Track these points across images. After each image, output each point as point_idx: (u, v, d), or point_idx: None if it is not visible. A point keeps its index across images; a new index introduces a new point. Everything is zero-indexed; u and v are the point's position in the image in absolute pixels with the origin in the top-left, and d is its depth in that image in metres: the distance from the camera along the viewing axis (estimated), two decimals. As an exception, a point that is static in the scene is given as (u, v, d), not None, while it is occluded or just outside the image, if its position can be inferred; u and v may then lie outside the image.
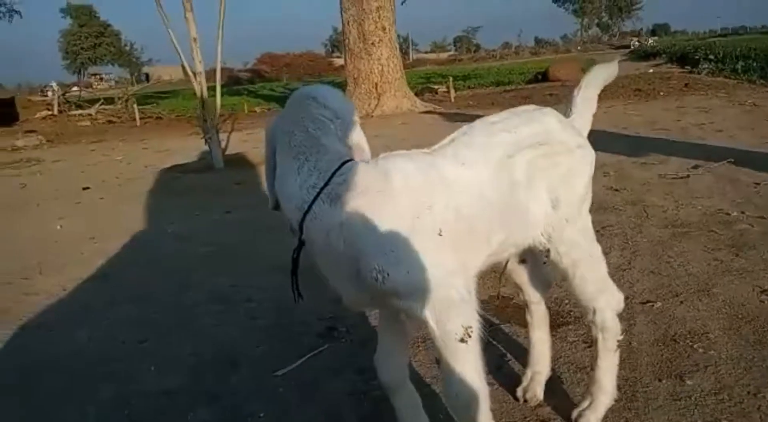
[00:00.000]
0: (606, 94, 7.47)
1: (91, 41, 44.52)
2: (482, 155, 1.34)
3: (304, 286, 2.98)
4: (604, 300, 1.53)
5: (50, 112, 15.45)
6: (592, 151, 1.51)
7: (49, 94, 20.20)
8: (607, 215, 3.53)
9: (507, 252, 1.47)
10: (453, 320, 1.22)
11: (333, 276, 1.32)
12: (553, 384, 1.79)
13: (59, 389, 2.10)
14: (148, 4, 5.60)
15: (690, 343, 1.97)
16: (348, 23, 11.78)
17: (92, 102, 16.31)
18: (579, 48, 46.81)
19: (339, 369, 2.08)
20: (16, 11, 23.55)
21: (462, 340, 1.21)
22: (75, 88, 29.81)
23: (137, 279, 3.19)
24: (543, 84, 16.05)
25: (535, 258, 1.64)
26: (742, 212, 3.29)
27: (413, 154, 1.36)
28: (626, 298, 2.34)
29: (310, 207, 1.24)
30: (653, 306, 2.28)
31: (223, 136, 6.60)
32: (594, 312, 1.53)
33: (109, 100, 16.14)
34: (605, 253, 2.84)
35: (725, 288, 2.37)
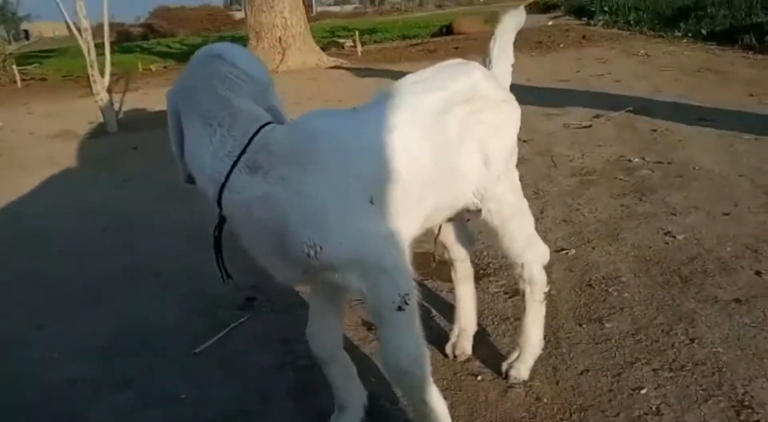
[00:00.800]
0: None
1: (-47, -6, 39.61)
2: (412, 116, 1.26)
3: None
4: (532, 254, 1.53)
5: None
6: (517, 104, 1.48)
7: None
8: (517, 166, 3.58)
9: (442, 215, 1.42)
10: (389, 289, 1.16)
11: (259, 253, 1.21)
12: (479, 338, 1.80)
13: None
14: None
15: (605, 288, 2.05)
16: (247, -27, 11.18)
17: (-39, 62, 14.61)
18: (482, 1, 47.29)
19: (262, 341, 1.99)
20: None
21: (399, 308, 1.16)
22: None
23: (30, 258, 2.91)
24: (448, 37, 16.07)
25: (460, 216, 1.61)
26: (643, 158, 3.45)
27: (338, 114, 1.26)
28: (543, 248, 2.44)
29: (227, 178, 1.11)
30: (567, 253, 2.35)
31: (116, 97, 6.11)
32: (522, 266, 1.54)
33: (-18, 61, 14.53)
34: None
35: (632, 232, 2.48)
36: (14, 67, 12.85)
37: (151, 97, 8.46)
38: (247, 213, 1.13)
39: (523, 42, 11.13)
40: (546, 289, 1.59)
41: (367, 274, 1.15)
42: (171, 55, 19.37)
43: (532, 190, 3.14)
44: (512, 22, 1.56)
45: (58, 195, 3.96)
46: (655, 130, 4.00)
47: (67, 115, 7.39)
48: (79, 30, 5.19)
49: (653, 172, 3.20)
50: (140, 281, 2.57)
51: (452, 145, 1.31)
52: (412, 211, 1.28)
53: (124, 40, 30.55)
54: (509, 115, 1.45)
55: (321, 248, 1.11)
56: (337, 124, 1.22)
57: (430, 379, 1.24)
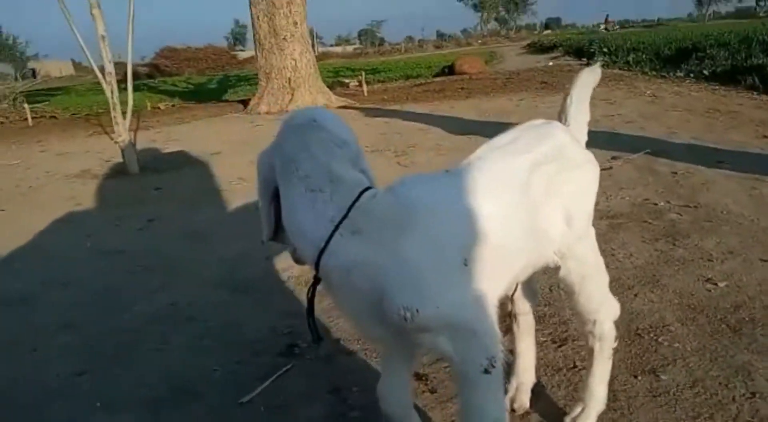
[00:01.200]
0: (516, 87, 7.84)
1: (-36, 34, 40.48)
2: (503, 180, 1.28)
3: (250, 300, 2.83)
4: (605, 311, 1.53)
5: None
6: (597, 165, 1.49)
7: None
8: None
9: (525, 275, 1.43)
10: (477, 352, 1.16)
11: (352, 313, 1.22)
12: (535, 389, 1.78)
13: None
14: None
15: (654, 337, 2.04)
16: (258, 18, 11.44)
17: (-28, 101, 14.79)
18: (479, 41, 48.36)
19: (310, 390, 1.97)
20: None
21: (486, 371, 1.16)
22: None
23: (62, 303, 2.89)
24: (451, 77, 16.36)
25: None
26: (668, 201, 3.48)
27: (433, 178, 1.28)
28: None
29: (327, 243, 1.13)
30: (610, 300, 2.34)
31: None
32: (594, 322, 1.53)
33: (-8, 99, 14.72)
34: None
35: (672, 278, 2.48)
36: (25, 105, 13.01)
37: (164, 135, 8.57)
38: (345, 277, 1.14)
39: (527, 82, 11.49)
40: (614, 345, 1.58)
41: (457, 337, 1.15)
42: (178, 93, 19.68)
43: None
44: (589, 78, 1.58)
45: (83, 236, 3.97)
46: (675, 173, 4.04)
47: (83, 154, 7.47)
48: (102, 73, 5.27)
49: (681, 215, 3.22)
50: (174, 327, 2.55)
51: (539, 206, 1.32)
52: (502, 273, 1.28)
53: (132, 79, 31.16)
54: (592, 175, 1.46)
55: (418, 311, 1.11)
56: (433, 189, 1.24)
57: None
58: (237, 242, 3.55)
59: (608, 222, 3.25)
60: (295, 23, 11.32)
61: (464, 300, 1.16)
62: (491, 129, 7.31)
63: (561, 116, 1.54)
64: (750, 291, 2.28)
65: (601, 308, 1.52)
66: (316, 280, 1.18)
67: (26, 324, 2.68)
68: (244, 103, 12.85)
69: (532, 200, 1.31)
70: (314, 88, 11.80)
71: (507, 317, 2.01)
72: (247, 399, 1.95)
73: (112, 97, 5.25)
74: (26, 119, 12.49)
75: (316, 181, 1.15)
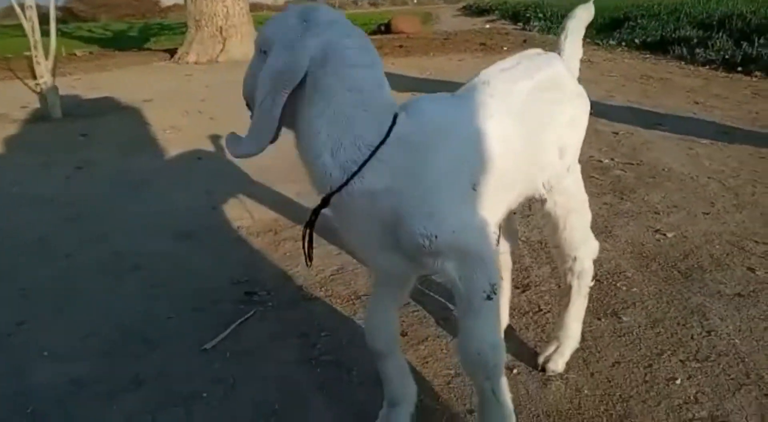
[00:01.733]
0: (455, 48, 7.83)
1: None
2: (507, 104, 1.24)
3: (200, 249, 2.71)
4: (585, 249, 1.55)
5: None
6: (588, 100, 1.49)
7: None
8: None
9: (516, 204, 1.41)
10: (483, 278, 1.14)
11: (363, 241, 1.16)
12: (505, 331, 1.80)
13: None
14: None
15: (613, 282, 2.11)
16: (188, -40, 10.78)
17: None
18: (415, 1, 47.92)
19: (277, 335, 1.91)
20: None
21: (488, 297, 1.15)
22: None
23: (-10, 251, 2.67)
24: (388, 35, 16.13)
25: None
26: (612, 159, 3.59)
27: (443, 100, 1.22)
28: (539, 243, 2.48)
29: (361, 167, 1.04)
30: (567, 249, 2.40)
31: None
32: (574, 259, 1.56)
33: None
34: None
35: (623, 229, 2.57)
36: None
37: (84, 83, 8.02)
38: (369, 203, 1.06)
39: (466, 43, 11.50)
40: (591, 284, 1.62)
41: (465, 262, 1.13)
42: (95, 40, 18.44)
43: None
44: (584, 16, 1.55)
45: (6, 183, 3.66)
46: (616, 133, 4.18)
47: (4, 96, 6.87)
48: (22, 8, 4.80)
49: (626, 172, 3.33)
50: (121, 275, 2.41)
51: (536, 133, 1.31)
52: (502, 199, 1.26)
53: (44, 22, 28.76)
54: (584, 108, 1.46)
55: (436, 237, 1.07)
56: (446, 112, 1.18)
57: (504, 371, 1.23)
58: (177, 192, 3.38)
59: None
60: (229, -32, 10.75)
61: (475, 225, 1.14)
62: (434, 86, 7.38)
63: (556, 51, 1.52)
64: (696, 241, 2.40)
65: (582, 245, 1.54)
66: (325, 202, 1.10)
67: (-49, 272, 2.46)
68: (171, 52, 12.18)
69: (530, 126, 1.29)
70: (247, 37, 11.30)
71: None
72: (211, 345, 1.88)
73: (33, 35, 4.80)
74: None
75: (367, 97, 1.05)
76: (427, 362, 1.71)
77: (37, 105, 5.61)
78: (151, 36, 19.00)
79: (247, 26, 11.41)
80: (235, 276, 2.33)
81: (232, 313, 2.06)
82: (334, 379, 1.67)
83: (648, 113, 4.75)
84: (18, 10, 4.84)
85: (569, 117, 1.40)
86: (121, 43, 17.09)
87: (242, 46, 11.19)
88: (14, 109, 5.96)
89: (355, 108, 1.04)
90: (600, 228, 2.58)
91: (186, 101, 6.01)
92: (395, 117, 1.09)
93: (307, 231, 1.16)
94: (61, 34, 19.72)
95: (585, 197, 1.53)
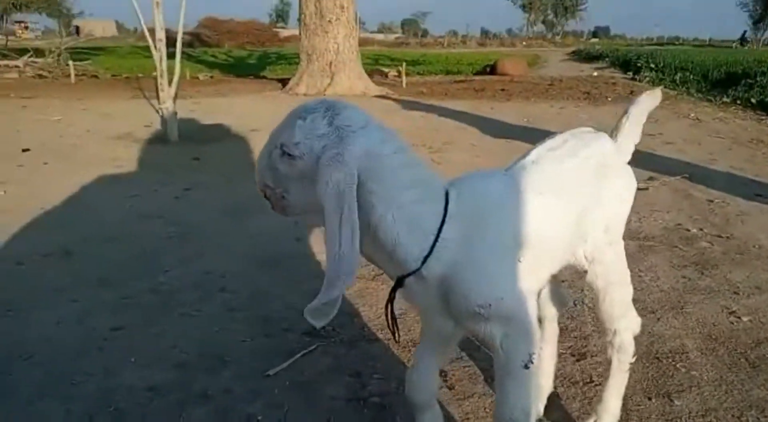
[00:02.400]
0: (558, 94, 7.78)
1: (16, -15, 41.38)
2: (553, 182, 1.35)
3: (280, 277, 2.91)
4: (626, 322, 1.59)
5: (-34, 61, 14.27)
6: (635, 180, 1.56)
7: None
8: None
9: (557, 271, 1.49)
10: (523, 346, 1.24)
11: (427, 309, 1.29)
12: (550, 398, 1.84)
13: (35, 382, 1.97)
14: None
15: (673, 362, 2.08)
16: (306, -2, 11.51)
17: (20, 52, 15.15)
18: (524, 43, 47.79)
19: (332, 371, 2.05)
20: None
21: (526, 366, 1.24)
22: (-2, 35, 27.70)
23: (102, 259, 3.02)
24: (492, 77, 16.26)
25: (555, 276, 1.67)
26: (701, 229, 3.48)
27: (498, 177, 1.34)
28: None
29: (431, 250, 1.16)
30: (632, 321, 2.38)
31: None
32: (614, 332, 1.59)
33: (39, 53, 15.06)
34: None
35: (696, 307, 2.50)
36: (70, 61, 13.27)
37: (203, 107, 8.71)
38: (435, 280, 1.19)
39: (570, 90, 11.39)
40: (632, 360, 1.63)
41: (510, 329, 1.23)
42: (217, 65, 19.92)
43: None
44: (648, 102, 1.62)
45: (123, 197, 4.10)
46: (711, 201, 4.03)
47: (124, 116, 7.65)
48: (153, 40, 5.40)
49: (713, 245, 3.22)
50: (208, 294, 2.65)
51: (583, 209, 1.40)
52: (545, 269, 1.37)
53: (172, 45, 31.45)
54: (630, 188, 1.53)
55: (490, 305, 1.19)
56: (498, 187, 1.30)
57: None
58: (270, 219, 3.64)
59: (639, 244, 3.27)
60: (342, 6, 11.37)
61: (521, 294, 1.23)
62: (530, 135, 7.32)
63: (613, 131, 1.59)
64: (773, 329, 2.30)
65: (622, 319, 1.58)
66: (400, 283, 1.22)
67: (68, 275, 2.81)
68: (283, 82, 12.96)
69: (576, 203, 1.38)
70: (354, 73, 11.86)
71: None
72: (274, 372, 2.04)
73: (161, 64, 5.37)
74: (69, 76, 12.77)
75: (419, 191, 1.17)
76: (468, 418, 1.78)
77: (159, 126, 6.22)
78: (268, 64, 20.25)
79: (354, 62, 11.96)
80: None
81: (298, 344, 2.23)
82: (378, 420, 1.77)
83: (750, 182, 4.53)
84: (150, 40, 5.44)
85: (615, 194, 1.47)
86: (240, 69, 18.37)
87: (348, 81, 11.75)
88: (139, 128, 6.63)
89: (413, 204, 1.16)
90: (672, 304, 2.53)
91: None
92: (446, 194, 1.21)
93: (389, 309, 1.28)
94: (187, 57, 21.46)
95: (626, 271, 1.57)
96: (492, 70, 18.15)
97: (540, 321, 1.76)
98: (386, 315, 1.30)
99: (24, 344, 2.20)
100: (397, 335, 1.30)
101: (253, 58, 23.81)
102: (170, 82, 5.58)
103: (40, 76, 13.41)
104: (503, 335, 1.24)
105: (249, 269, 2.95)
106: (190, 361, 2.12)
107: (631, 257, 3.00)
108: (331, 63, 11.72)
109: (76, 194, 4.11)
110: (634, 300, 2.53)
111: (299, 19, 12.28)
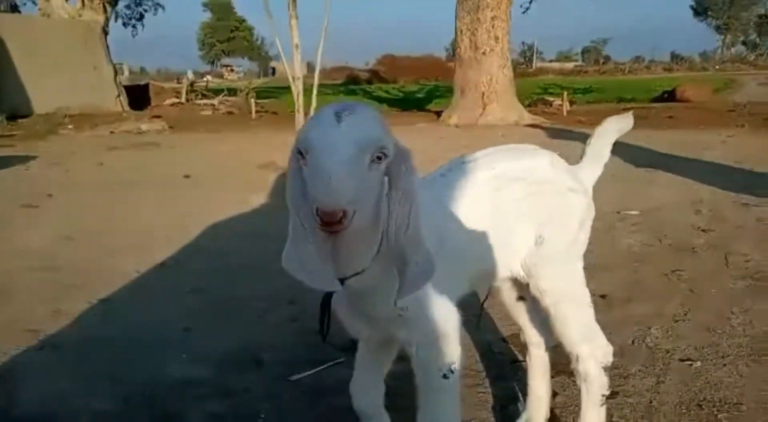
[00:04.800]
0: (733, 121, 7.05)
1: (226, 34, 48.09)
2: (472, 189, 1.36)
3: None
4: (588, 349, 1.48)
5: (178, 100, 16.76)
6: (587, 199, 1.49)
7: (184, 81, 22.05)
8: (682, 258, 3.30)
9: (487, 281, 1.49)
10: (440, 354, 1.23)
11: (354, 313, 1.33)
12: None
13: (103, 364, 2.32)
14: (280, 4, 5.97)
15: (715, 412, 1.82)
16: (461, 32, 11.80)
17: (217, 92, 17.46)
18: (717, 67, 43.37)
19: (346, 384, 2.12)
20: (160, 5, 26.26)
21: (445, 376, 1.23)
22: (207, 78, 32.13)
23: (204, 271, 3.42)
24: (667, 104, 15.08)
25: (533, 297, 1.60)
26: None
27: (425, 181, 1.38)
28: (666, 352, 2.23)
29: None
30: (692, 365, 2.12)
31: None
32: (577, 359, 1.49)
33: (233, 92, 17.22)
34: (666, 299, 2.69)
35: (777, 357, 2.15)
36: (252, 99, 14.96)
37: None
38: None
39: (750, 117, 10.15)
40: (605, 392, 1.50)
41: (427, 335, 1.23)
42: (386, 99, 21.00)
43: (687, 287, 2.87)
44: (616, 125, 1.56)
45: (241, 220, 4.58)
46: None
47: (280, 147, 8.45)
48: (293, 77, 5.99)
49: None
50: (276, 306, 2.87)
51: (505, 219, 1.38)
52: (463, 273, 1.36)
53: (351, 82, 33.91)
54: (572, 206, 1.46)
55: (407, 309, 1.21)
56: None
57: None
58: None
59: (748, 284, 2.87)
60: (497, 38, 11.45)
61: (437, 297, 1.24)
62: (676, 165, 6.73)
63: (581, 153, 1.54)
64: None
65: (583, 344, 1.47)
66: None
67: (167, 282, 3.23)
68: (438, 113, 13.31)
69: (497, 212, 1.36)
70: (507, 103, 11.81)
71: (476, 324, 1.99)
72: (295, 378, 2.18)
73: (297, 100, 5.93)
74: (251, 112, 14.40)
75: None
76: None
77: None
78: (435, 97, 20.88)
79: (508, 93, 11.92)
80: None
81: (329, 355, 2.33)
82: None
83: None
84: (290, 78, 6.04)
85: (549, 209, 1.41)
86: (408, 103, 19.19)
87: (501, 111, 11.73)
88: (283, 156, 7.28)
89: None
90: (750, 351, 2.21)
91: (429, 163, 6.61)
92: None
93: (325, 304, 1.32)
94: (362, 93, 22.83)
95: (581, 292, 1.47)
96: (670, 96, 16.83)
97: (526, 347, 1.69)
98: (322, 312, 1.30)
99: (113, 336, 2.58)
100: (325, 330, 1.29)
101: (422, 91, 24.68)
102: (306, 115, 6.11)
103: (230, 113, 15.31)
104: (419, 342, 1.23)
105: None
106: (232, 361, 2.34)
107: (728, 298, 2.68)
108: (483, 94, 11.82)
109: (209, 216, 4.64)
110: (706, 344, 2.28)
111: (454, 52, 12.60)
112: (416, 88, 27.30)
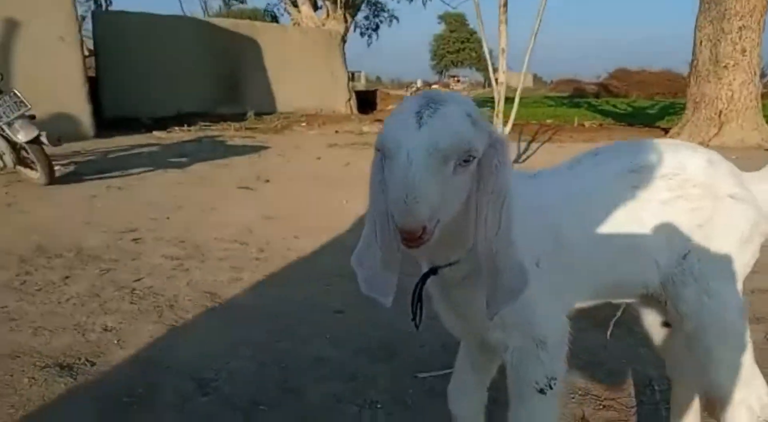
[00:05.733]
0: None
1: (456, 46, 49.55)
2: (592, 188, 1.20)
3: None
4: (740, 395, 1.19)
5: (402, 105, 17.72)
6: (755, 211, 1.21)
7: (414, 88, 23.30)
8: None
9: (619, 294, 1.31)
10: (538, 366, 1.11)
11: (454, 313, 1.29)
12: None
13: (255, 332, 2.55)
14: (515, 17, 6.08)
15: None
16: (701, 43, 10.59)
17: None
18: None
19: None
20: (395, 17, 28.03)
21: (542, 391, 1.11)
22: (434, 86, 33.46)
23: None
24: None
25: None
26: None
27: (520, 176, 1.23)
28: None
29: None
30: None
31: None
32: (722, 405, 1.21)
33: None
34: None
35: None
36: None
37: (565, 150, 8.88)
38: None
39: None
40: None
41: (525, 341, 1.12)
42: (613, 114, 19.67)
43: None
44: None
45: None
46: None
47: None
48: (496, 81, 5.96)
49: None
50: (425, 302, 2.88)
51: (641, 223, 1.18)
52: (576, 283, 1.20)
53: (578, 96, 32.32)
54: (733, 216, 1.19)
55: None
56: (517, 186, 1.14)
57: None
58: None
59: None
60: (744, 51, 10.05)
61: (533, 302, 1.11)
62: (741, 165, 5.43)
63: None
64: None
65: (734, 387, 1.18)
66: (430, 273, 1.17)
67: (336, 264, 3.42)
68: (666, 131, 12.13)
69: (629, 214, 1.17)
70: (749, 123, 10.29)
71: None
72: (422, 375, 2.17)
73: (497, 105, 5.87)
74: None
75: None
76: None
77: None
78: (668, 114, 19.04)
79: (752, 111, 10.37)
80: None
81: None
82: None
83: None
84: (493, 82, 6.01)
85: (703, 219, 1.17)
86: (636, 118, 17.74)
87: (740, 131, 10.28)
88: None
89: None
90: None
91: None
92: None
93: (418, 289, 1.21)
94: (587, 105, 21.72)
95: (736, 324, 1.19)
96: None
97: (669, 381, 1.47)
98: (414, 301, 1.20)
99: (277, 313, 2.80)
100: (418, 319, 1.19)
101: (655, 107, 22.68)
102: (505, 123, 6.03)
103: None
104: (513, 350, 1.12)
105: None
106: (369, 347, 2.41)
107: None
108: (721, 111, 10.46)
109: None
110: None
111: (691, 65, 11.36)
112: (648, 104, 25.16)
